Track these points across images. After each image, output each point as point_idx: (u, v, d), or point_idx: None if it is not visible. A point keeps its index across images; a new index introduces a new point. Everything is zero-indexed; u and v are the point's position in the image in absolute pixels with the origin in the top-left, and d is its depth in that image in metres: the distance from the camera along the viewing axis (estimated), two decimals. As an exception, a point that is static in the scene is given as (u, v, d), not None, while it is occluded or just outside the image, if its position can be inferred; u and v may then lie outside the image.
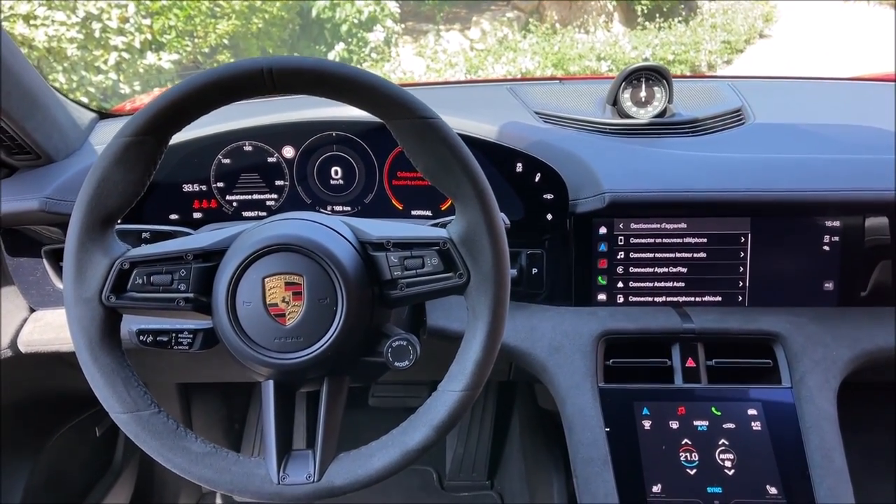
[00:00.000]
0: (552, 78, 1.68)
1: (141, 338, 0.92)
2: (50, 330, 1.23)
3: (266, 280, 0.79)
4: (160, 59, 6.53)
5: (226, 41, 7.29)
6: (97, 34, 5.97)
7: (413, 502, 2.01)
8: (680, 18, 12.74)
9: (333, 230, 0.83)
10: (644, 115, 1.35)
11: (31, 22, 5.45)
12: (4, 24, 4.99)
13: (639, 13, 12.82)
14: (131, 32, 6.26)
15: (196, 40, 7.05)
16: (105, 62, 6.07)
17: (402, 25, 10.30)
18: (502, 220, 0.82)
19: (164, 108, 0.75)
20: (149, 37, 6.53)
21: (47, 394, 1.47)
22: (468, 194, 0.78)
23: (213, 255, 0.83)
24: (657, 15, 12.50)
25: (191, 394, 1.90)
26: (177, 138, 1.18)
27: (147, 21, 6.57)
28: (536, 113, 1.38)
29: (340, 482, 0.81)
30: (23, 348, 1.23)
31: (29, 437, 1.45)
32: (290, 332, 0.80)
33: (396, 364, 0.84)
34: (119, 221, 0.81)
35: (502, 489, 2.03)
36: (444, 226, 0.84)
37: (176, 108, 0.76)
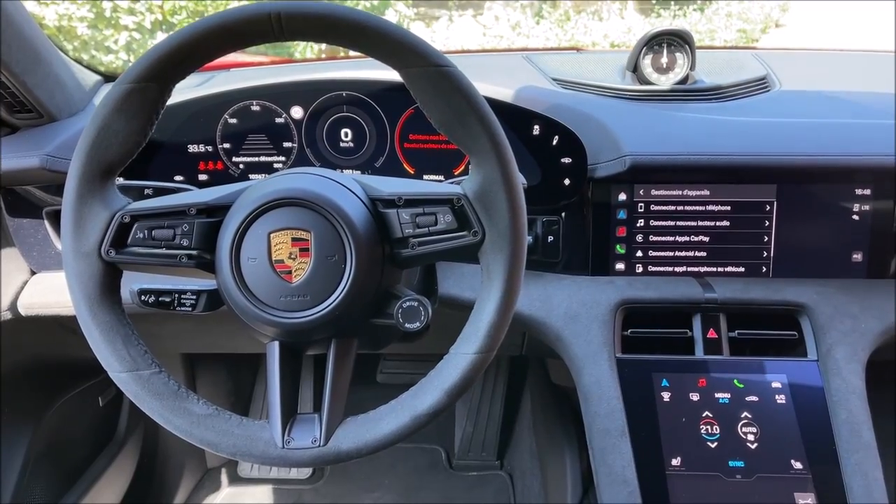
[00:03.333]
0: (569, 48, 1.64)
1: (143, 298, 0.88)
2: (51, 292, 1.20)
3: (272, 235, 0.76)
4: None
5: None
6: (108, 13, 5.93)
7: (421, 481, 1.98)
8: (695, 6, 12.59)
9: (343, 185, 0.79)
10: (665, 82, 1.30)
11: (42, 0, 5.42)
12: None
13: (653, 1, 12.69)
14: (142, 12, 6.22)
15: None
16: (115, 42, 6.03)
17: (415, 10, 10.22)
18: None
19: (166, 54, 0.72)
20: (159, 17, 6.49)
21: (49, 361, 1.45)
22: (484, 147, 0.74)
23: (217, 210, 0.80)
24: (672, 2, 12.37)
25: (196, 366, 1.87)
26: (182, 96, 1.16)
27: (158, 1, 6.53)
28: (554, 80, 1.34)
29: (347, 447, 0.77)
30: (23, 311, 1.20)
31: (31, 404, 1.43)
32: (297, 289, 0.76)
33: (407, 325, 0.80)
34: (122, 178, 0.78)
35: (512, 468, 2.00)
36: (458, 184, 0.80)
37: (179, 54, 0.72)
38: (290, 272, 0.76)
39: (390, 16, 9.14)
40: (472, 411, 2.02)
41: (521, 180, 0.77)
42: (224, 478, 2.00)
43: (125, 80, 0.72)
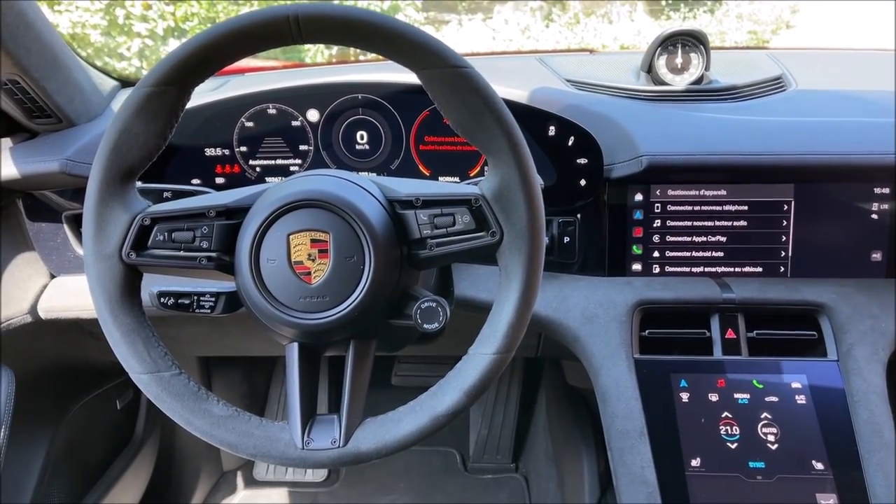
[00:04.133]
0: (582, 50, 1.63)
1: (162, 300, 0.89)
2: (70, 296, 1.21)
3: (291, 237, 0.76)
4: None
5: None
6: (121, 20, 5.99)
7: (436, 484, 1.98)
8: (705, 8, 12.55)
9: (361, 187, 0.80)
10: (680, 82, 1.30)
11: (56, 7, 5.48)
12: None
13: (663, 3, 12.65)
14: (154, 19, 6.27)
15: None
16: (128, 49, 6.09)
17: (425, 15, 10.24)
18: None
19: (186, 57, 0.72)
20: (172, 24, 6.54)
21: (68, 364, 1.46)
22: (502, 148, 0.74)
23: (236, 213, 0.80)
24: (682, 4, 12.32)
25: (211, 369, 1.88)
26: (199, 100, 1.16)
27: (170, 8, 6.58)
28: (567, 81, 1.34)
29: (367, 447, 0.77)
30: (42, 314, 1.21)
31: (50, 407, 1.44)
32: (316, 290, 0.76)
33: (426, 326, 0.80)
34: (140, 182, 0.78)
35: (527, 471, 1.99)
36: (476, 184, 0.80)
37: (198, 57, 0.72)
38: (309, 273, 0.76)
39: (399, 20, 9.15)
40: (486, 414, 2.01)
41: (539, 181, 0.78)
42: (240, 480, 2.00)
43: (145, 84, 0.73)
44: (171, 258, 0.78)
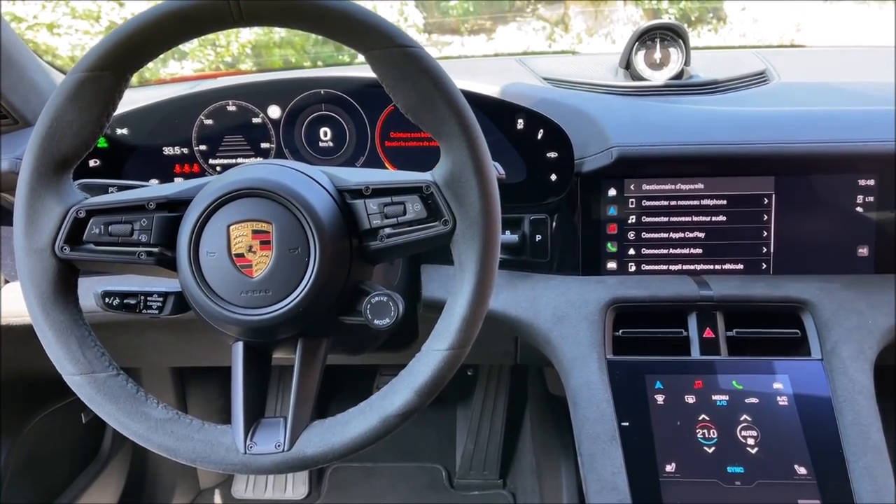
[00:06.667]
0: (565, 52, 1.61)
1: (107, 300, 0.84)
2: (21, 302, 1.16)
3: (231, 227, 0.72)
4: (183, 67, 6.56)
5: (248, 50, 7.31)
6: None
7: (422, 501, 1.91)
8: (710, 28, 12.60)
9: (308, 176, 0.76)
10: (659, 78, 1.26)
11: (55, 31, 5.51)
12: (28, 32, 5.06)
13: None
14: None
15: (218, 50, 7.08)
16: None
17: (427, 36, 10.30)
18: (496, 169, 0.74)
19: (121, 41, 0.69)
20: (172, 46, 6.58)
21: (26, 374, 1.41)
22: (453, 131, 0.71)
23: (178, 205, 0.76)
24: (686, 24, 12.37)
25: (186, 382, 1.83)
26: (156, 97, 1.13)
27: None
28: (545, 79, 1.30)
29: (312, 451, 0.73)
30: None
31: (8, 418, 1.39)
32: (258, 284, 0.72)
33: (376, 322, 0.75)
34: (86, 179, 0.76)
35: (515, 487, 1.93)
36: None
37: (135, 41, 0.69)
38: (250, 266, 0.72)
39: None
40: (472, 429, 1.95)
41: (494, 167, 0.74)
42: (218, 498, 1.94)
43: (78, 69, 0.69)
44: (108, 252, 0.75)
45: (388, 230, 0.74)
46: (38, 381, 1.45)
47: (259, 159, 1.13)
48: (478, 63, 1.59)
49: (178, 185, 0.78)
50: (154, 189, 0.80)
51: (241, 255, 0.72)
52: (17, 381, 1.39)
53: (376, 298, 0.75)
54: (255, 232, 0.72)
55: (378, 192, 0.75)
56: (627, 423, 0.96)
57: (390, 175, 0.78)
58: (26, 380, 1.41)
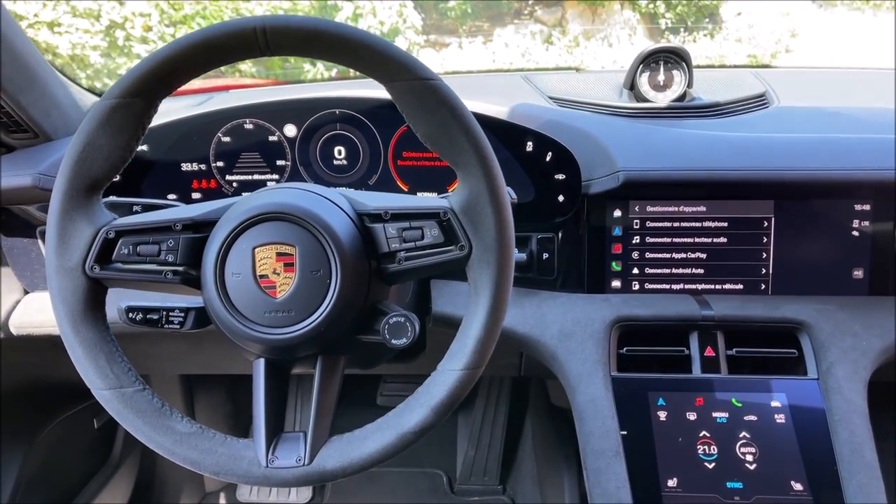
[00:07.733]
0: (569, 68, 1.64)
1: (130, 315, 0.87)
2: (42, 312, 1.19)
3: (256, 250, 0.75)
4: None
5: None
6: (120, 42, 6.02)
7: (422, 506, 1.95)
8: (705, 32, 12.62)
9: (329, 200, 0.79)
10: (662, 100, 1.29)
11: (56, 30, 5.51)
12: (29, 31, 5.05)
13: (663, 27, 12.72)
14: (154, 41, 6.31)
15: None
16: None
17: (425, 38, 10.29)
18: (508, 192, 0.77)
19: (152, 69, 0.72)
20: (171, 45, 6.57)
21: (42, 382, 1.44)
22: (470, 160, 0.74)
23: (203, 226, 0.79)
24: (682, 29, 12.40)
25: (194, 389, 1.86)
26: (176, 115, 1.16)
27: (170, 30, 6.61)
28: (550, 98, 1.33)
29: (332, 466, 0.76)
30: (14, 330, 1.20)
31: (22, 427, 1.42)
32: (281, 305, 0.75)
33: (394, 342, 0.78)
34: (112, 196, 0.78)
35: (514, 493, 1.96)
36: (446, 198, 0.79)
37: (165, 69, 0.72)
38: (274, 287, 0.75)
39: (400, 43, 9.22)
40: (473, 435, 1.98)
41: (508, 194, 0.77)
42: (223, 502, 1.97)
43: (110, 96, 0.72)
44: (136, 272, 0.77)
45: (405, 253, 0.77)
46: (53, 389, 1.48)
47: (281, 183, 1.15)
48: (483, 80, 1.62)
49: (203, 207, 0.81)
50: (180, 210, 0.82)
51: (265, 277, 0.75)
52: (32, 390, 1.42)
53: (394, 319, 0.78)
54: (279, 255, 0.75)
55: (397, 216, 0.78)
56: (631, 439, 1.00)
57: (408, 200, 0.81)
58: (40, 388, 1.44)
